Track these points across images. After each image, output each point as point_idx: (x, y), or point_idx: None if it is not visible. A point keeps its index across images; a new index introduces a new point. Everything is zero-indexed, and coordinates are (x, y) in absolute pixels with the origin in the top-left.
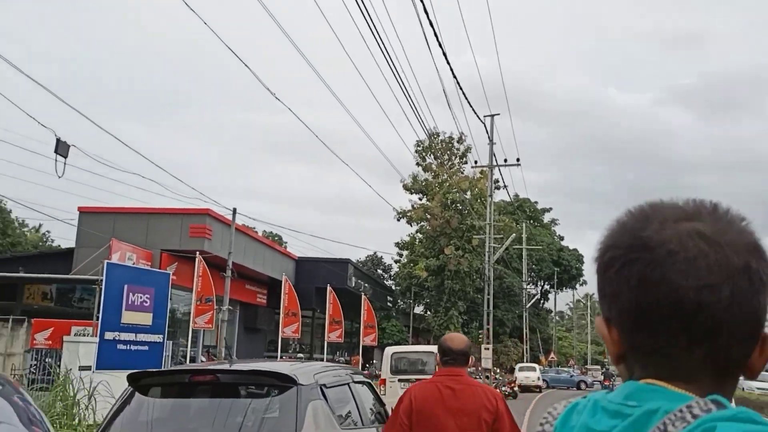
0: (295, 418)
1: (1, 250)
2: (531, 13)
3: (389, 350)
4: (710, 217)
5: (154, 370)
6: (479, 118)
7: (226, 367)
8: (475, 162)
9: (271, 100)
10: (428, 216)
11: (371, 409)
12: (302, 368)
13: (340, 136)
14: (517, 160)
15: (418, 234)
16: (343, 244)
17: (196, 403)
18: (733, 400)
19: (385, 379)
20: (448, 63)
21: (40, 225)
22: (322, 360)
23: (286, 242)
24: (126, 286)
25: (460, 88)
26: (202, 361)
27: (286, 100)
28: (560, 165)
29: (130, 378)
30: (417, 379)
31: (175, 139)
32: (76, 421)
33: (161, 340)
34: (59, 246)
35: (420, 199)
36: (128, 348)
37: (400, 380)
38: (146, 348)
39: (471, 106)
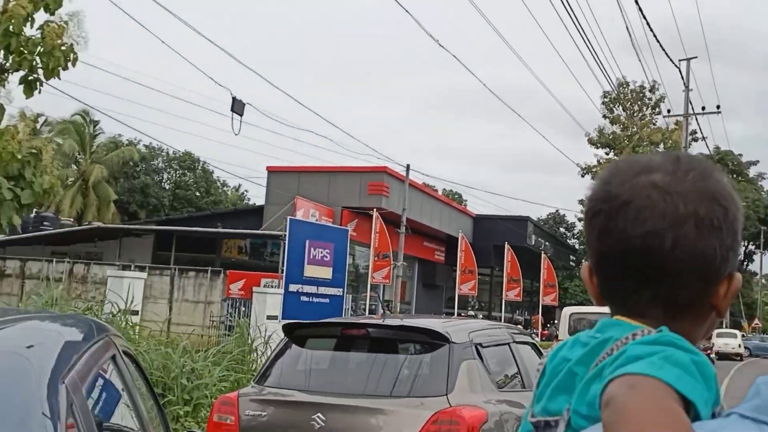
0: (446, 377)
1: (205, 207)
2: None
3: (567, 310)
4: (669, 169)
5: (307, 321)
6: (673, 63)
7: (377, 321)
8: (668, 111)
9: (451, 60)
10: None
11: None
12: (457, 326)
13: (522, 93)
14: (717, 107)
15: None
16: (525, 202)
17: (346, 356)
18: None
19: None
20: (637, 3)
21: (239, 185)
22: (499, 319)
23: (466, 200)
24: (307, 241)
25: (650, 30)
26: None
27: (466, 60)
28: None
29: (285, 328)
30: None
31: (362, 102)
32: (252, 366)
33: (341, 294)
34: (254, 204)
35: (607, 154)
36: (310, 300)
37: None
38: (327, 301)
39: (663, 50)
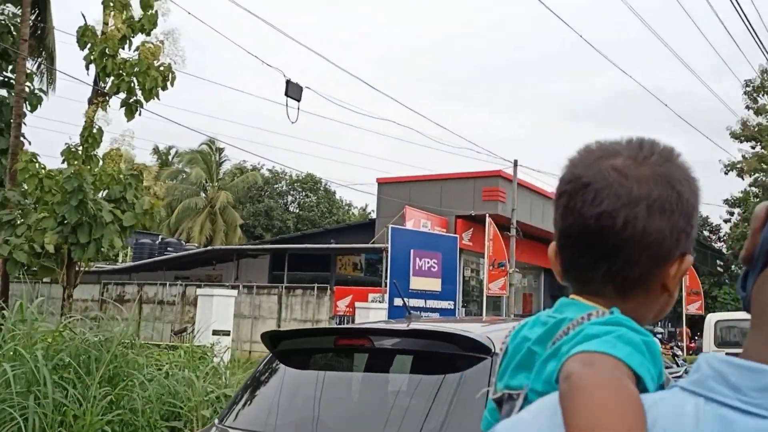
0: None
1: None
2: None
3: (712, 318)
4: (631, 153)
5: (292, 330)
6: None
7: (386, 326)
8: None
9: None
10: (765, 166)
11: None
12: (504, 330)
13: (645, 96)
14: None
15: (753, 188)
16: None
17: (348, 379)
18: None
19: None
20: None
21: (366, 205)
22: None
23: None
24: (412, 251)
25: None
26: None
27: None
28: None
29: (266, 339)
30: None
31: (482, 111)
32: None
33: (452, 307)
34: (368, 218)
35: (753, 148)
36: (418, 314)
37: (728, 354)
38: (437, 315)
39: None
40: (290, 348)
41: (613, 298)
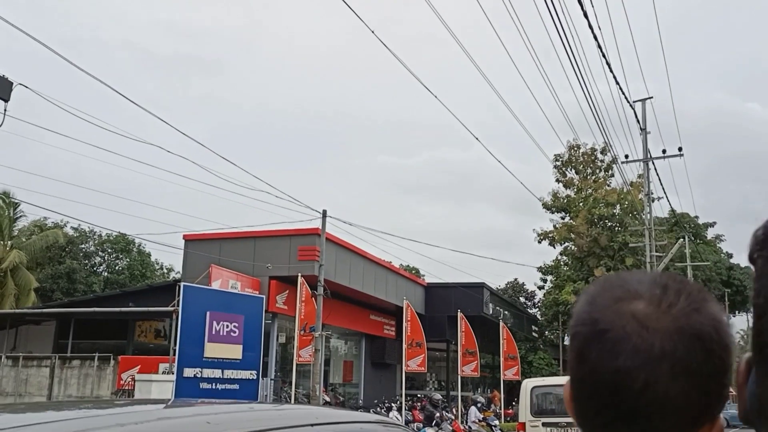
0: None
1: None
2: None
3: (528, 384)
4: (654, 297)
5: None
6: (629, 103)
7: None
8: (626, 156)
9: (401, 145)
10: (573, 235)
11: None
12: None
13: (466, 171)
14: (679, 149)
15: (563, 256)
16: (482, 275)
17: None
18: None
19: (524, 423)
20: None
21: (171, 266)
22: (456, 398)
23: (424, 275)
24: (208, 313)
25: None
26: (325, 401)
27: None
28: (706, 187)
29: None
30: (569, 423)
31: (309, 180)
32: None
33: (255, 377)
34: (173, 279)
35: (562, 218)
36: (213, 387)
37: (545, 424)
38: (236, 387)
39: (619, 88)
40: None
41: None
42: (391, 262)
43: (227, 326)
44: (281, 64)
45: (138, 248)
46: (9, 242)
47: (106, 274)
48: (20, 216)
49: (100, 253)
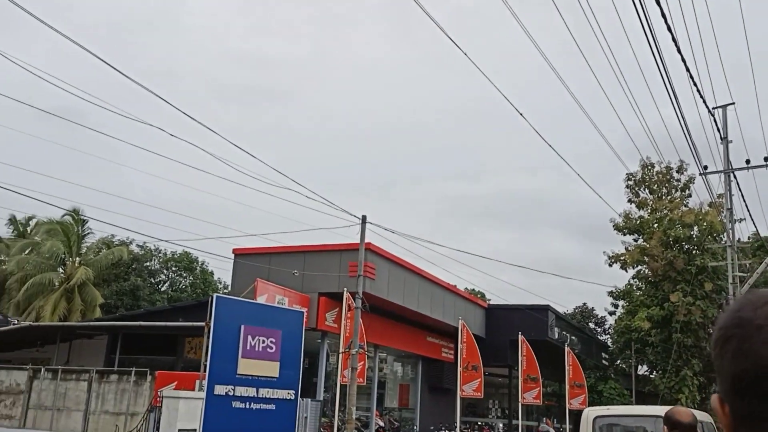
0: None
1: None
2: None
3: (590, 413)
4: None
5: None
6: (708, 110)
7: None
8: (705, 168)
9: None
10: (646, 258)
11: None
12: None
13: (542, 197)
14: (765, 159)
15: (635, 280)
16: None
17: None
18: None
19: None
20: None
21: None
22: (517, 428)
23: (489, 299)
24: (243, 327)
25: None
26: (378, 426)
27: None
28: None
29: None
30: None
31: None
32: None
33: (293, 397)
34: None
35: (635, 240)
36: (247, 406)
37: None
38: (272, 407)
39: (701, 95)
40: None
41: None
42: (456, 285)
43: (263, 341)
44: (355, 88)
45: (201, 266)
46: (77, 258)
47: (170, 292)
48: (88, 233)
49: (164, 270)
